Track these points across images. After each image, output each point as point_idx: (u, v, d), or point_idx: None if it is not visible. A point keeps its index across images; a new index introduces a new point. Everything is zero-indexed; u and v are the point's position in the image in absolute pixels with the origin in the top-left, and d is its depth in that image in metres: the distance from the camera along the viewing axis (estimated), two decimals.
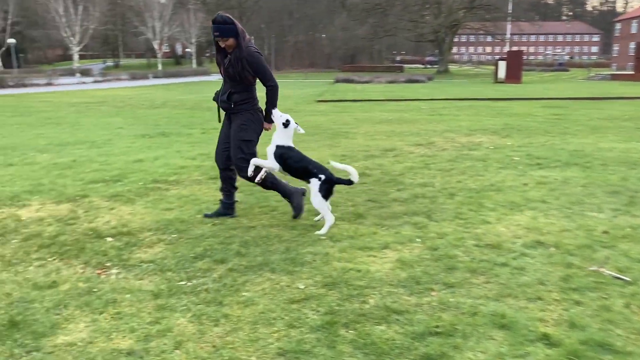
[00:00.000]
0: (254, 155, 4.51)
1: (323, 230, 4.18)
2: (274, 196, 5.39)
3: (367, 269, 3.41)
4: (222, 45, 4.31)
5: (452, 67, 63.90)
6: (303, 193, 4.67)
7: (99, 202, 5.28)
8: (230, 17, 4.31)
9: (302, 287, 3.14)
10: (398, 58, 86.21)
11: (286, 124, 4.33)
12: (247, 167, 4.42)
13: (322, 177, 4.22)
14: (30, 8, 57.92)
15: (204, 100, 21.03)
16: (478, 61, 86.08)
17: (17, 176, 6.55)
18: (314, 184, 4.23)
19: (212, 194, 5.59)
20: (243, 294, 3.06)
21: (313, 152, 8.20)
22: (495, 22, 58.36)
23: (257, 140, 4.58)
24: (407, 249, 3.83)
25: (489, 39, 79.46)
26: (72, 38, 49.61)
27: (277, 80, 4.43)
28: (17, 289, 3.15)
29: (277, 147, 4.34)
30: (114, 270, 3.47)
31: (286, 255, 3.68)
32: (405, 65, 70.59)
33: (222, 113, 4.72)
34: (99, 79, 43.42)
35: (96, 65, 54.18)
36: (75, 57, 51.49)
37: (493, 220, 4.53)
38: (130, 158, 7.78)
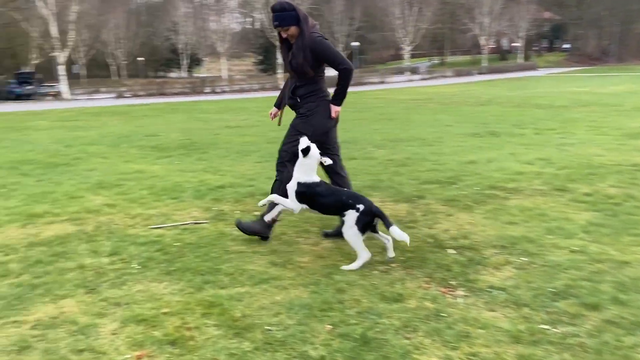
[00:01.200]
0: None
1: (353, 266, 3.50)
2: None
3: None
4: (284, 35, 3.92)
5: None
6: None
7: (435, 206, 5.06)
8: (291, 3, 3.86)
9: None
10: None
11: (305, 152, 3.64)
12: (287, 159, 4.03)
13: (361, 207, 3.56)
14: (372, 14, 64.52)
15: (533, 97, 19.53)
16: None
17: (359, 170, 6.93)
18: (350, 215, 3.56)
19: (560, 209, 4.77)
20: None
21: None
22: None
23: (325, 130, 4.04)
24: None
25: None
26: (405, 38, 53.16)
27: (350, 64, 3.90)
28: (366, 296, 3.05)
29: (299, 184, 3.68)
30: (460, 292, 3.09)
31: None
32: None
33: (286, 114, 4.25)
34: (426, 76, 45.44)
35: (422, 64, 56.74)
36: (406, 56, 55.01)
37: None
38: (462, 159, 7.47)
